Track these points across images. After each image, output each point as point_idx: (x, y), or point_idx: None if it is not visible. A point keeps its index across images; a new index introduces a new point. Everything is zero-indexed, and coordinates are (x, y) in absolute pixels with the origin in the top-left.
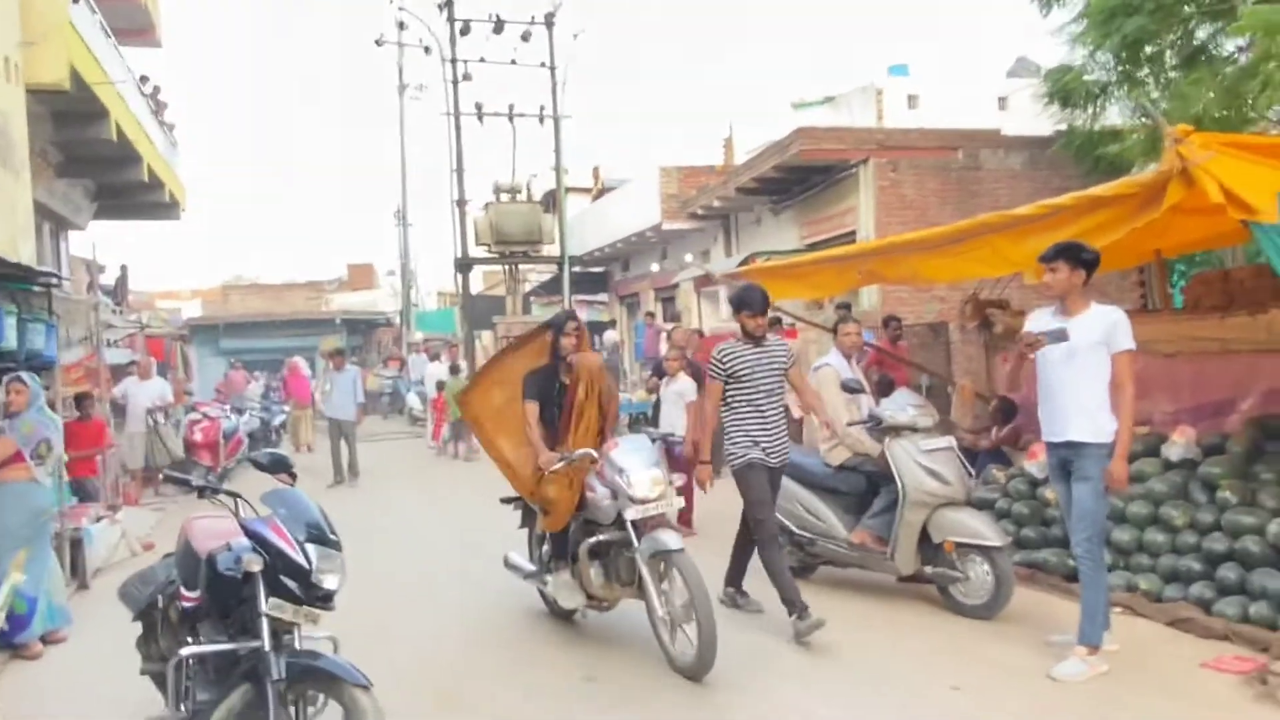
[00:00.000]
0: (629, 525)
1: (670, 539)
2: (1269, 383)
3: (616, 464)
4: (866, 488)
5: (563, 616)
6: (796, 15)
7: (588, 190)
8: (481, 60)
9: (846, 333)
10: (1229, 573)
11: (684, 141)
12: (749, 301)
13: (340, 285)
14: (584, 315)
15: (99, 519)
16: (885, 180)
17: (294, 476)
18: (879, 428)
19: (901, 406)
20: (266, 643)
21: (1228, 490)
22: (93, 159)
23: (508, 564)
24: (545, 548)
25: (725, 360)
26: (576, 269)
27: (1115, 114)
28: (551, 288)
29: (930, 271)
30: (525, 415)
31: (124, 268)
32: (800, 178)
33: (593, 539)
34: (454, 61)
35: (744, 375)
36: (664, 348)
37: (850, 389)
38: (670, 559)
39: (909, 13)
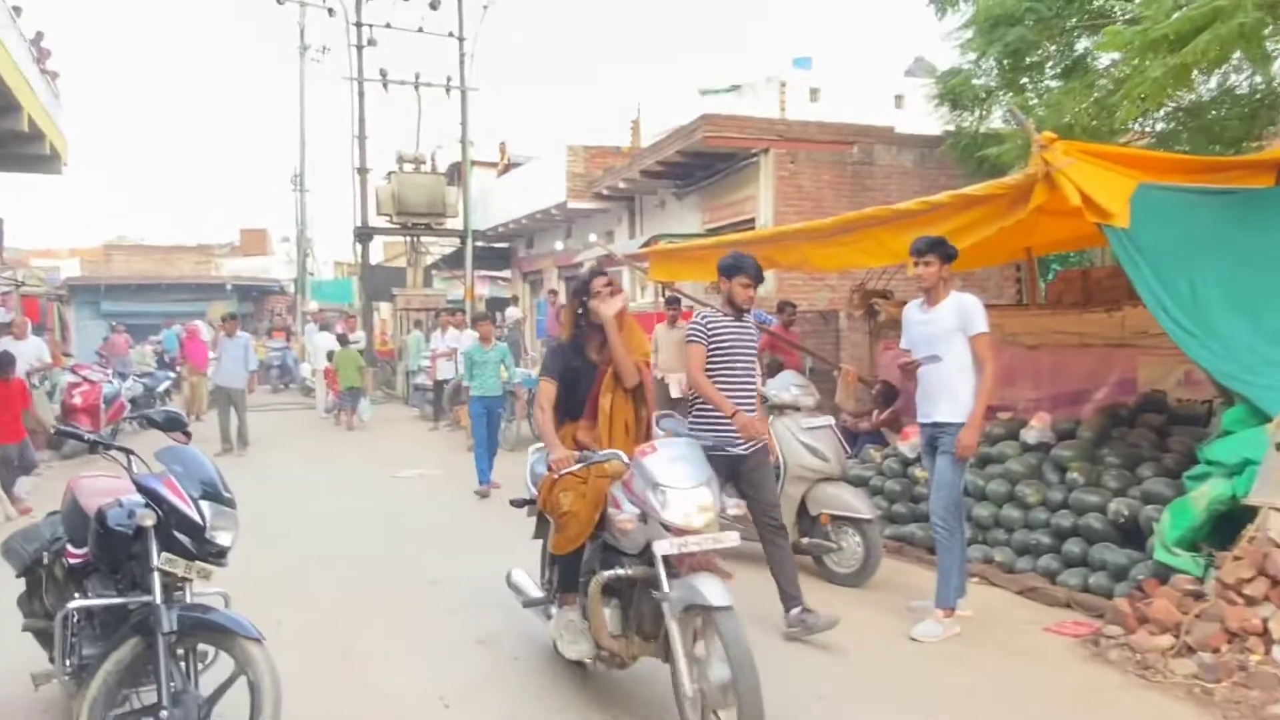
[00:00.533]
0: (658, 560)
1: (713, 591)
2: (1119, 374)
3: (651, 475)
4: None
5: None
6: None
7: (494, 165)
8: (388, 26)
9: None
10: (1074, 546)
11: (592, 121)
12: (743, 267)
13: (232, 250)
14: (485, 291)
15: None
16: (784, 171)
17: (188, 435)
18: (764, 405)
19: (785, 386)
20: (158, 596)
21: (1076, 472)
22: None
23: (510, 584)
24: (553, 571)
25: (709, 327)
26: (480, 244)
27: (999, 119)
28: (454, 261)
29: (820, 260)
30: (539, 397)
31: None
32: (704, 164)
33: (610, 572)
34: (359, 25)
35: (725, 349)
36: None
37: None
38: (711, 618)
39: (814, 7)
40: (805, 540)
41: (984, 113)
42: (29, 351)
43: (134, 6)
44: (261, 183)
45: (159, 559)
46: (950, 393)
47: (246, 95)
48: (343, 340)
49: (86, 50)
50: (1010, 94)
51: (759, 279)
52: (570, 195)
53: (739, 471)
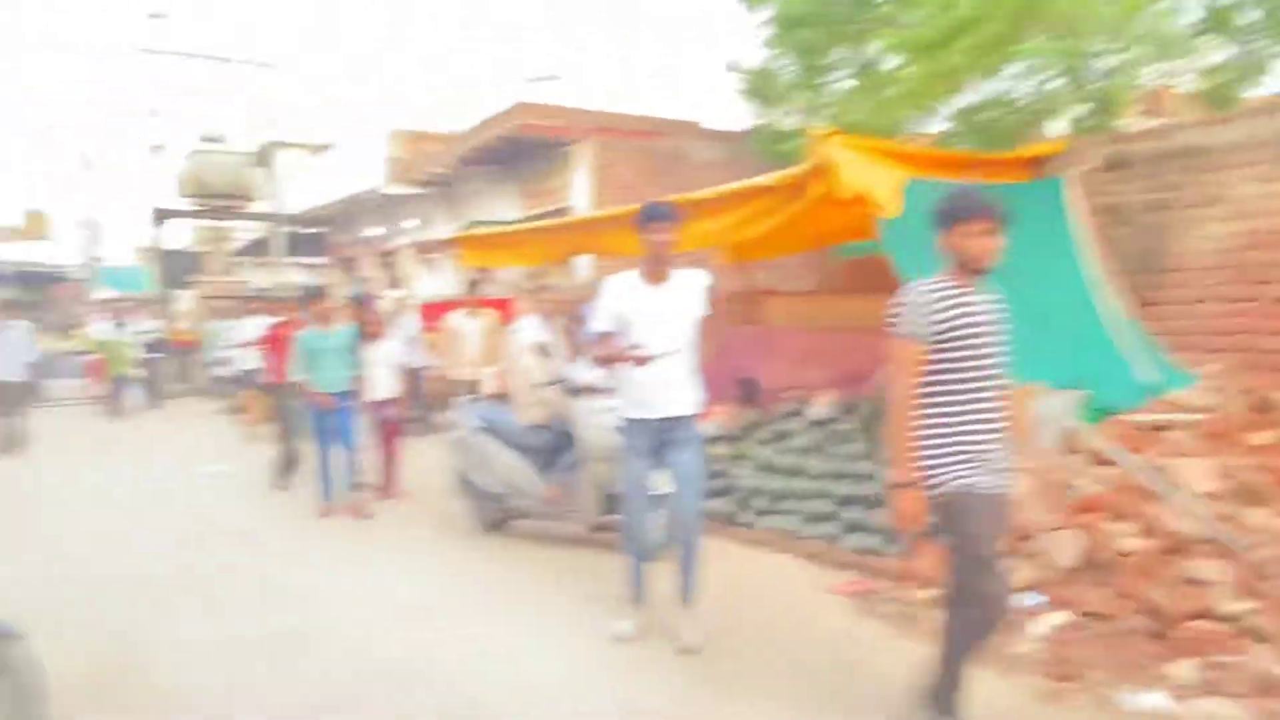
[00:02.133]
0: None
1: None
2: None
3: None
4: (556, 444)
5: None
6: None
7: (305, 146)
8: None
9: (541, 299)
10: (853, 513)
11: (400, 109)
12: (973, 207)
13: (13, 234)
14: (300, 279)
15: None
16: (600, 159)
17: None
18: (566, 388)
19: (587, 369)
20: None
21: (856, 443)
22: None
23: None
24: None
25: (937, 307)
26: (295, 229)
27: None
28: (262, 248)
29: (621, 247)
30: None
31: None
32: (521, 150)
33: None
34: None
35: (962, 336)
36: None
37: (543, 352)
38: None
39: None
40: (609, 518)
41: (786, 110)
42: None
43: None
44: (54, 163)
45: None
46: (690, 381)
47: (37, 61)
48: (120, 325)
49: None
50: (806, 92)
51: (1000, 220)
52: (390, 180)
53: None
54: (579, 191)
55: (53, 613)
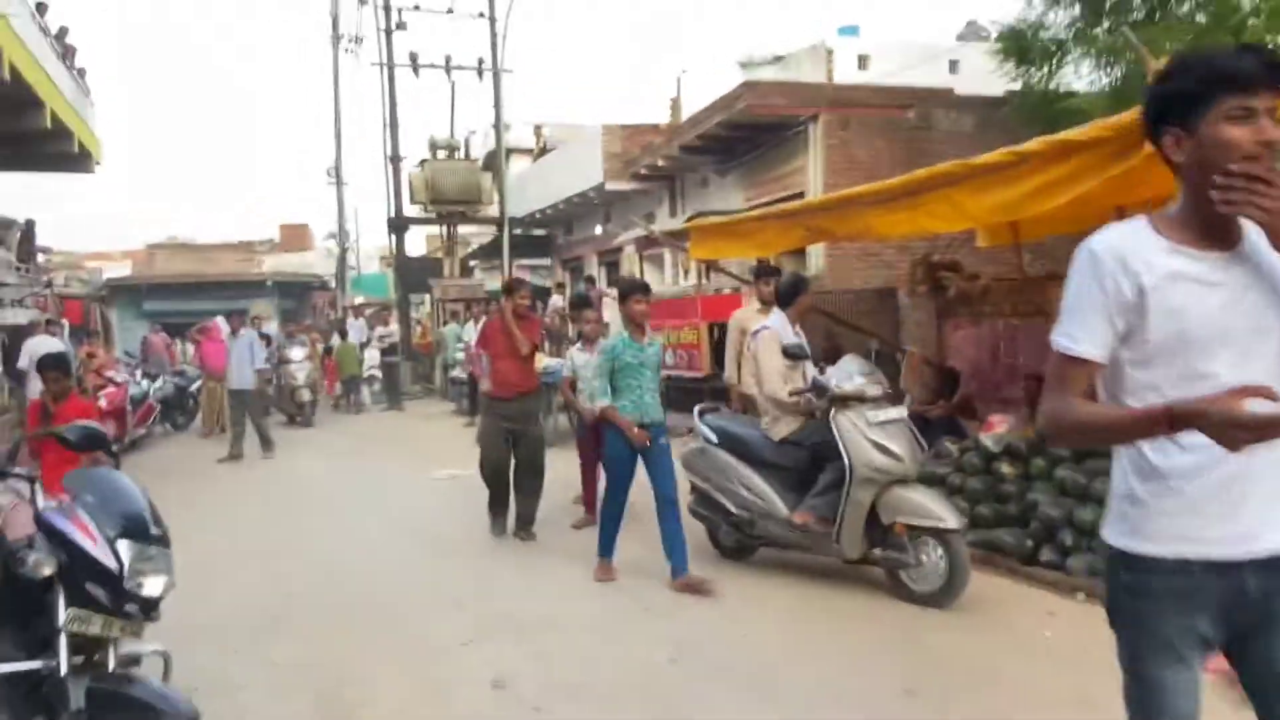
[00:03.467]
0: None
1: None
2: None
3: None
4: (810, 463)
5: None
6: None
7: (529, 151)
8: (416, 8)
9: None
10: None
11: (631, 101)
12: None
13: (273, 247)
14: (528, 279)
15: None
16: (834, 139)
17: (114, 456)
18: (824, 397)
19: (848, 374)
20: (63, 665)
21: None
22: None
23: None
24: None
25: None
26: (518, 232)
27: (1070, 74)
28: (491, 251)
29: (883, 227)
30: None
31: (29, 222)
32: (746, 136)
33: None
34: (387, 9)
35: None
36: (606, 313)
37: (792, 355)
38: None
39: None
40: (877, 552)
41: (1054, 67)
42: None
43: (168, 6)
44: (303, 178)
45: (65, 616)
46: None
47: (285, 91)
48: (343, 334)
49: (129, 54)
50: (1083, 45)
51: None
52: (607, 177)
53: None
54: (812, 175)
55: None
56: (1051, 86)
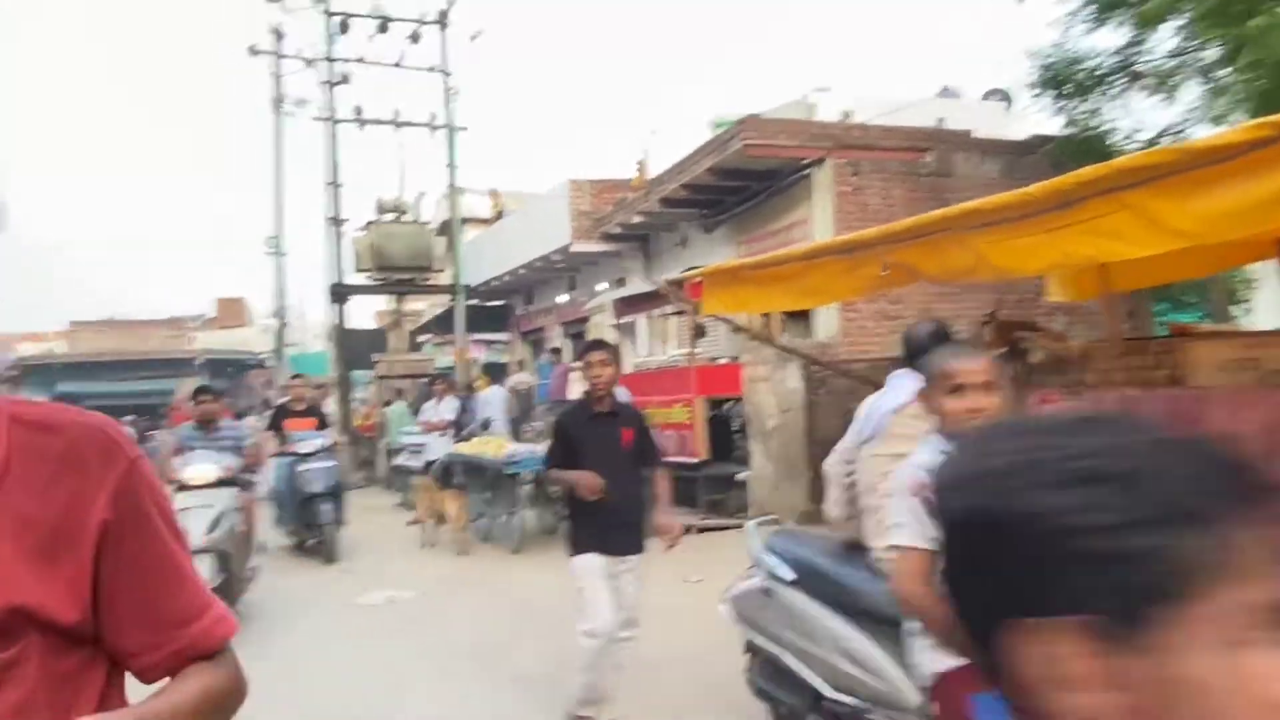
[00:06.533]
0: None
1: None
2: None
3: None
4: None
5: None
6: (710, 36)
7: (484, 221)
8: (361, 60)
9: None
10: None
11: (595, 163)
12: None
13: (206, 323)
14: (482, 356)
15: None
16: (845, 185)
17: None
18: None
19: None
20: None
21: None
22: None
23: None
24: None
25: None
26: (473, 302)
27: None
28: (444, 323)
29: (1006, 259)
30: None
31: None
32: (738, 185)
33: None
34: (330, 60)
35: None
36: (574, 389)
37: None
38: None
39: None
40: None
41: (1103, 98)
42: None
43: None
44: (240, 249)
45: None
46: None
47: (221, 156)
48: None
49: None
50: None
51: None
52: (575, 236)
53: None
54: (818, 227)
55: None
56: (1096, 124)
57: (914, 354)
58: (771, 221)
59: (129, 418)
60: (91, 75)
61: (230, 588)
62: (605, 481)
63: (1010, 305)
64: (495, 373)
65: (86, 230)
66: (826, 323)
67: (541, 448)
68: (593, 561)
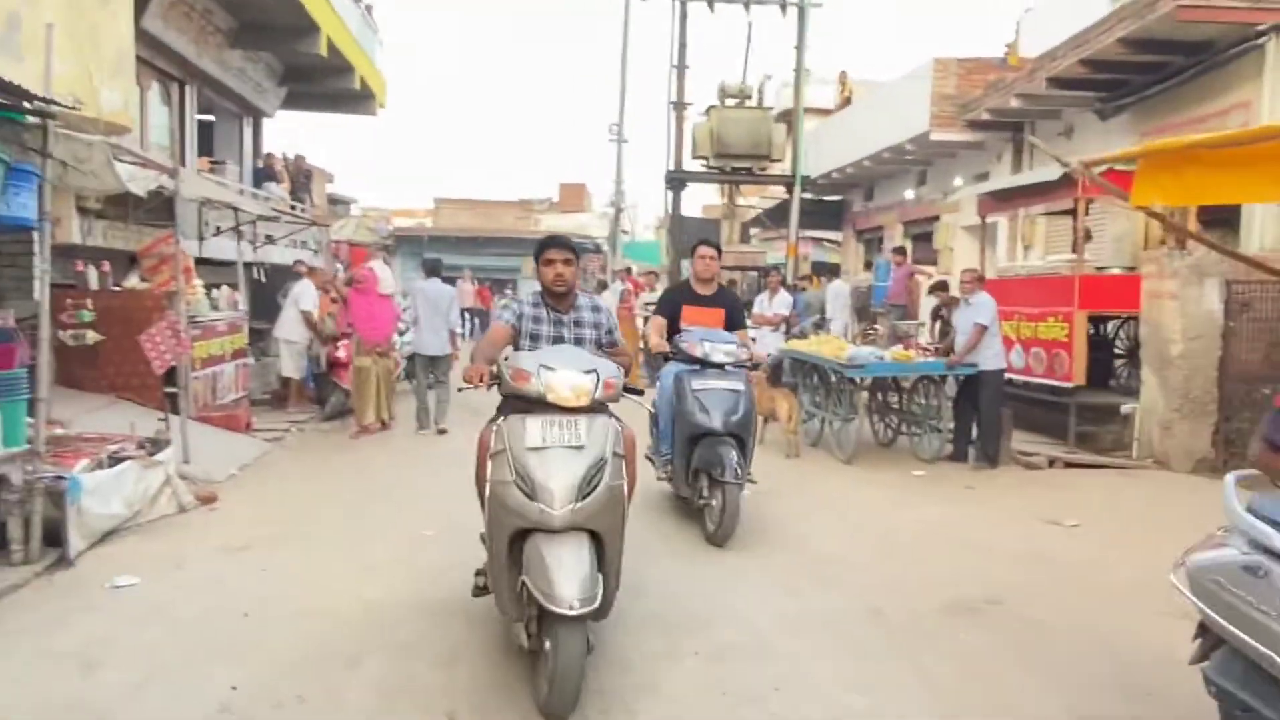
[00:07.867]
0: None
1: None
2: None
3: None
4: None
5: None
6: None
7: (826, 112)
8: None
9: None
10: None
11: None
12: None
13: (550, 206)
14: (810, 253)
15: (115, 459)
16: None
17: None
18: None
19: None
20: None
21: None
22: (264, 26)
23: None
24: None
25: None
26: (807, 195)
27: None
28: (776, 217)
29: None
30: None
31: (299, 158)
32: (1154, 62)
33: None
34: None
35: None
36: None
37: None
38: None
39: None
40: None
41: None
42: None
43: None
44: (584, 136)
45: None
46: None
47: (571, 46)
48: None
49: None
50: None
51: None
52: (934, 123)
53: None
54: (1264, 110)
55: None
56: None
57: None
58: (1197, 105)
59: None
60: None
61: None
62: None
63: None
64: (824, 272)
65: (451, 117)
66: (1261, 231)
67: (885, 352)
68: None
